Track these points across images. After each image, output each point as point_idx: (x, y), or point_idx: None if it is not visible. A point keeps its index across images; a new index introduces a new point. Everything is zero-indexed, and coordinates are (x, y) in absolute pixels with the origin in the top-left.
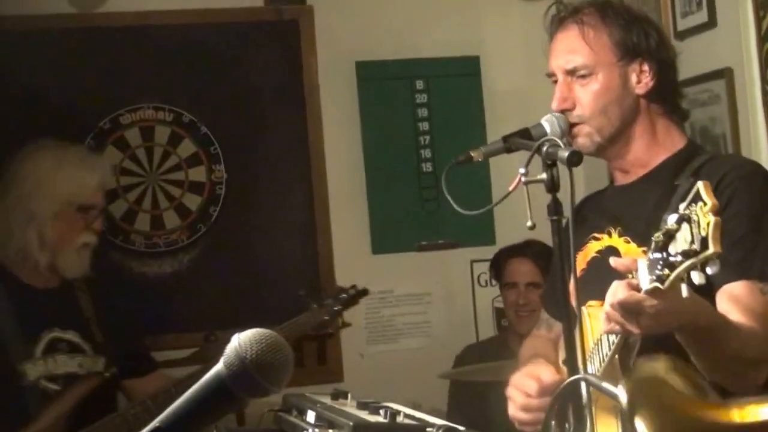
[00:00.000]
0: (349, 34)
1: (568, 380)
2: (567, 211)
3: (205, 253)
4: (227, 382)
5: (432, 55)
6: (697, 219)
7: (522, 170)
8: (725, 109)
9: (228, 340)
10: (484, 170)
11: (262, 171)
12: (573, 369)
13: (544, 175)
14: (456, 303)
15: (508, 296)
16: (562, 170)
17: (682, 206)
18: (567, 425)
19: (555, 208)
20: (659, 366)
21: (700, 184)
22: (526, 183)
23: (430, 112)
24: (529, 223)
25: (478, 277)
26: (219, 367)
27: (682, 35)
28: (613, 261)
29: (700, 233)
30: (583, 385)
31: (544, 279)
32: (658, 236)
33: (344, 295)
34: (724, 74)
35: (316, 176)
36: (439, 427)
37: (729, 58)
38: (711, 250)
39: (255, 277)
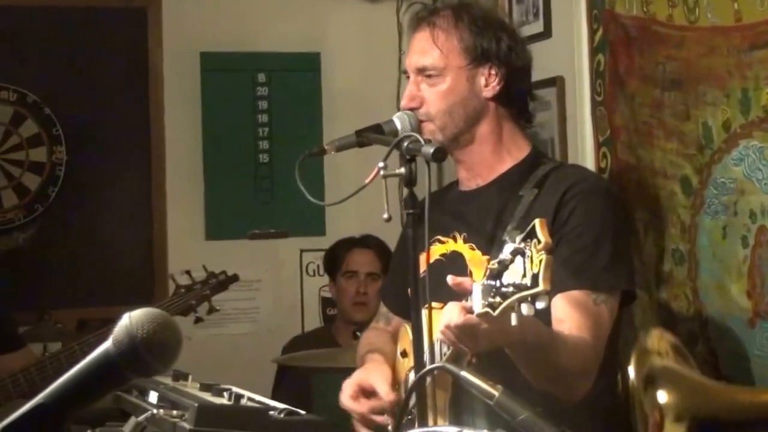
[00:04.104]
0: (196, 25)
1: (428, 368)
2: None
3: (41, 232)
4: (116, 359)
5: (275, 50)
6: (530, 255)
7: (381, 164)
8: (555, 116)
9: (58, 320)
10: (317, 163)
11: (103, 155)
12: (420, 363)
13: (402, 170)
14: (284, 291)
15: (346, 285)
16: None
17: (518, 239)
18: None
19: (412, 201)
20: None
21: (536, 222)
22: (385, 176)
23: (270, 105)
24: (385, 216)
25: (307, 266)
26: (107, 344)
27: None
28: (450, 279)
29: (532, 269)
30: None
31: (383, 272)
32: (493, 264)
33: (214, 280)
34: (556, 82)
35: (155, 162)
36: (282, 410)
37: (561, 68)
38: (540, 287)
39: (89, 258)
